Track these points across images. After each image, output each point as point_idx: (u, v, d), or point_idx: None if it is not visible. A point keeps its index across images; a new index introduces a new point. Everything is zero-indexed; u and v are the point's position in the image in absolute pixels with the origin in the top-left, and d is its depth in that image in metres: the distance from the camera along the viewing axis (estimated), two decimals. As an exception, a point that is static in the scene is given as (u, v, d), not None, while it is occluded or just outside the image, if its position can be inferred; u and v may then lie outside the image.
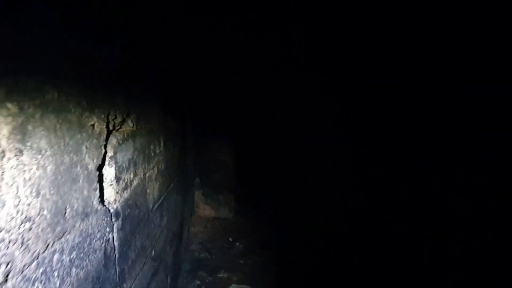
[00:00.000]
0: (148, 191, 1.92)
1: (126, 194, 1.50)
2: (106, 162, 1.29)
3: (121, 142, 1.43)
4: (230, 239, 4.09)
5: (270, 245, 3.99)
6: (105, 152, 1.26)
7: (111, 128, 1.33)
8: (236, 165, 6.40)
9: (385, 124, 2.89)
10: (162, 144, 2.29)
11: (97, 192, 1.18)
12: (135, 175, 1.65)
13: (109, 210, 1.30)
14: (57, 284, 0.92)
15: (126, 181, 1.49)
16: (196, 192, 4.57)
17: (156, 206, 2.11)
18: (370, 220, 3.26)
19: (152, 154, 2.01)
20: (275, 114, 6.61)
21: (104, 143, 1.25)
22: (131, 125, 1.59)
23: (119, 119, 1.41)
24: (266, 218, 4.89)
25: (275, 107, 6.48)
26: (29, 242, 0.78)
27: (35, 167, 0.80)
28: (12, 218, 0.73)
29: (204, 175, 4.83)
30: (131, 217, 1.57)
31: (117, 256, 1.40)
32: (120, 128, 1.48)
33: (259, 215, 4.98)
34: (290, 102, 6.27)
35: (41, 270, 0.84)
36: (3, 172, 0.70)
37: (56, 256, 0.91)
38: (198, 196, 4.59)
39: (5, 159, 0.71)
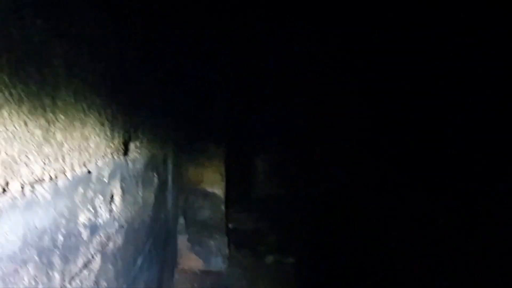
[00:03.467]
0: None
1: None
2: None
3: None
4: (225, 307, 2.85)
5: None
6: None
7: None
8: (229, 197, 5.19)
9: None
10: (118, 198, 1.10)
11: None
12: None
13: None
14: None
15: None
16: (180, 237, 3.31)
17: None
18: None
19: (82, 236, 0.82)
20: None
21: None
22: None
23: None
24: (270, 267, 3.69)
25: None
26: None
27: None
28: None
29: (189, 212, 3.61)
30: None
31: None
32: None
33: (260, 263, 3.77)
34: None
35: None
36: None
37: None
38: (182, 243, 3.33)
39: None
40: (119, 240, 1.12)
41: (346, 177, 4.02)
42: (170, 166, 2.52)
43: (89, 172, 0.82)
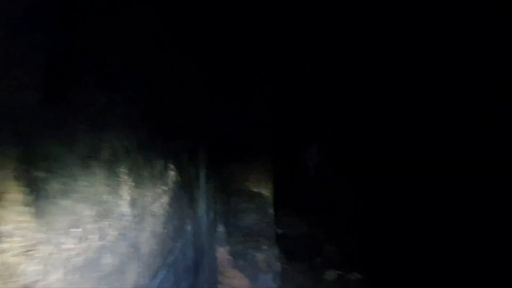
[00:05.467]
0: None
1: None
2: None
3: None
4: None
5: None
6: None
7: None
8: (277, 197, 4.52)
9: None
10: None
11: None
12: None
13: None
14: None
15: None
16: (219, 250, 2.72)
17: None
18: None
19: None
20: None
21: None
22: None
23: None
24: (332, 285, 2.98)
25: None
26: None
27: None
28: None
29: (230, 218, 3.01)
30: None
31: None
32: None
33: (319, 279, 3.07)
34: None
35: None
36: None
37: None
38: (223, 256, 2.73)
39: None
40: None
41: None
42: (202, 161, 1.92)
43: None
